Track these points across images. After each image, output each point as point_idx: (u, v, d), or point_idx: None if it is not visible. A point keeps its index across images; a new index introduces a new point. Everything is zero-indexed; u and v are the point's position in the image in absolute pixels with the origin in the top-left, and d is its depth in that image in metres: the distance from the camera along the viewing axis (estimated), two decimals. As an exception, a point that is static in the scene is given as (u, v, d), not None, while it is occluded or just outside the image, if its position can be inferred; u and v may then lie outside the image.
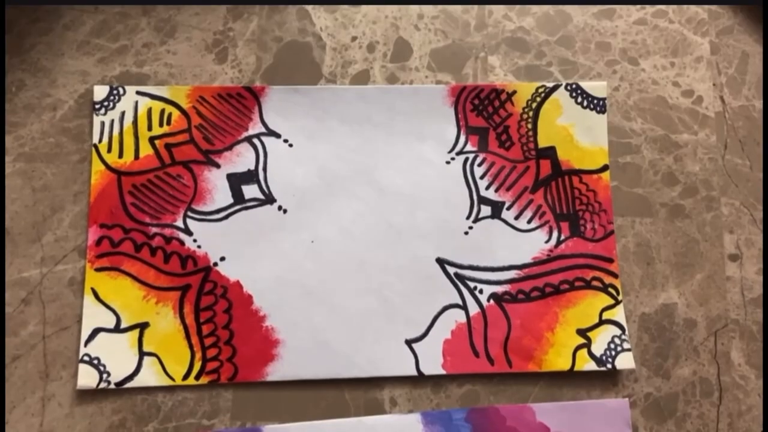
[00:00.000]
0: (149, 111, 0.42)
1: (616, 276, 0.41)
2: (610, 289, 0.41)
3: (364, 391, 0.40)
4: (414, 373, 0.39)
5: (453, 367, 0.40)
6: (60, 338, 0.39)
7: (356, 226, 0.41)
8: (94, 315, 0.39)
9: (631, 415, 0.40)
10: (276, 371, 0.39)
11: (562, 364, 0.40)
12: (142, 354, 0.38)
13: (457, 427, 0.39)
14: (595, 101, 0.43)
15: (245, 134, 0.42)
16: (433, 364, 0.40)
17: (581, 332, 0.40)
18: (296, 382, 0.39)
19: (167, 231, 0.40)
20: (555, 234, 0.42)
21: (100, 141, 0.41)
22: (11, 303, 0.39)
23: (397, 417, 0.39)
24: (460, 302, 0.40)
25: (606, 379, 0.40)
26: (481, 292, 0.41)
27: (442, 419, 0.39)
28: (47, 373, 0.38)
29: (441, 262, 0.41)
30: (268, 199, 0.41)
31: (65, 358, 0.38)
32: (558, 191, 0.42)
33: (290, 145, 0.42)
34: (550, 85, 0.44)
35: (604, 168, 0.43)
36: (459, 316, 0.40)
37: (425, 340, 0.40)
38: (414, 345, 0.40)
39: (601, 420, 0.39)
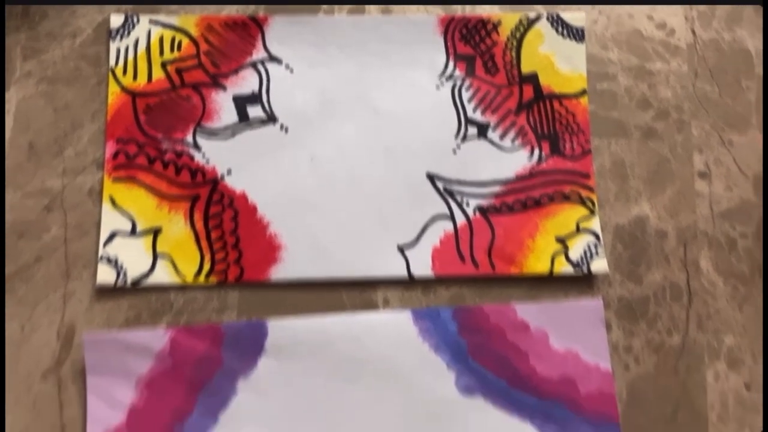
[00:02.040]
0: (161, 38, 0.45)
1: (592, 190, 0.45)
2: (587, 202, 0.44)
3: (359, 293, 0.43)
4: (405, 275, 0.43)
5: (441, 270, 0.43)
6: (80, 242, 0.42)
7: (352, 144, 0.44)
8: (111, 220, 0.42)
9: (605, 315, 0.43)
10: (279, 273, 0.42)
11: (542, 267, 0.43)
12: (155, 255, 0.42)
13: (444, 323, 0.42)
14: (574, 30, 0.47)
15: (249, 60, 0.45)
16: (422, 268, 0.43)
17: (559, 239, 0.44)
18: (297, 283, 0.42)
19: (178, 146, 0.44)
20: (536, 152, 0.45)
21: (116, 65, 0.45)
22: (34, 210, 0.42)
23: (389, 313, 0.42)
24: (448, 213, 0.44)
25: (582, 283, 0.44)
26: (467, 204, 0.44)
27: (431, 316, 0.42)
28: (68, 273, 0.42)
29: (431, 177, 0.44)
30: (271, 119, 0.44)
31: (85, 260, 0.42)
32: (540, 114, 0.46)
33: (291, 71, 0.45)
34: (533, 15, 0.47)
35: (583, 92, 0.46)
36: (447, 225, 0.44)
37: (416, 247, 0.43)
38: (405, 251, 0.43)
39: (577, 318, 0.43)
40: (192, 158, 0.44)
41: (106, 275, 0.41)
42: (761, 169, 0.46)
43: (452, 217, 0.44)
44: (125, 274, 0.41)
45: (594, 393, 0.42)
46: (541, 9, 0.48)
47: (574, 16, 0.47)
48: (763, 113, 0.46)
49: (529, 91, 0.46)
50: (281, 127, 0.44)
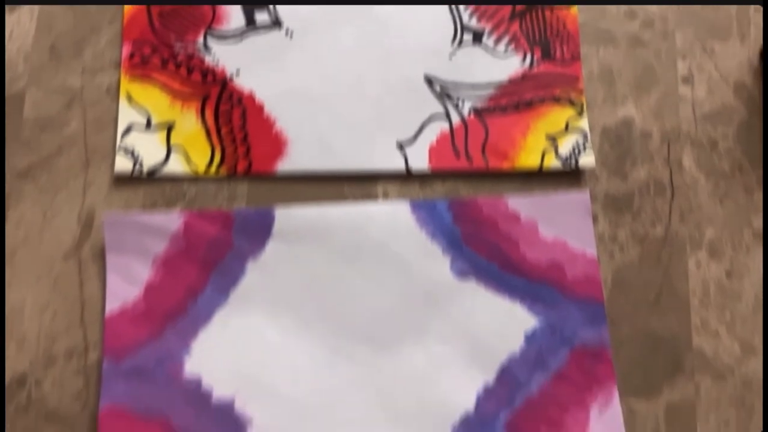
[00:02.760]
0: (174, -51, 0.48)
1: (581, 93, 0.47)
2: (576, 104, 0.47)
3: (360, 186, 0.46)
4: (403, 170, 0.45)
5: (437, 165, 0.46)
6: (98, 135, 0.45)
7: (355, 48, 0.47)
8: (128, 115, 0.45)
9: (593, 208, 0.46)
10: (284, 166, 0.45)
11: (532, 162, 0.46)
12: (169, 148, 0.45)
13: (440, 214, 0.45)
14: (565, -57, 0.49)
15: (257, -31, 0.48)
16: (420, 163, 0.46)
17: (550, 137, 0.46)
18: (302, 177, 0.45)
19: (190, 49, 0.46)
20: (529, 58, 0.48)
21: (132, -27, 0.47)
22: (56, 106, 0.45)
23: (389, 204, 0.45)
24: (444, 113, 0.46)
25: (570, 179, 0.46)
26: (462, 105, 0.47)
27: (428, 207, 0.45)
28: (88, 163, 0.44)
29: (428, 79, 0.47)
30: (276, 23, 0.47)
31: (103, 152, 0.45)
32: (532, 22, 0.48)
33: (296, -20, 0.48)
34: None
35: (573, 1, 0.49)
36: (443, 125, 0.46)
37: (414, 144, 0.46)
38: (404, 147, 0.46)
39: (565, 209, 0.45)
40: (203, 60, 0.46)
41: (123, 164, 0.44)
42: (741, 77, 0.49)
43: (448, 117, 0.46)
44: (141, 164, 0.44)
45: (580, 277, 0.44)
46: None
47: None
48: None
49: (521, 0, 0.48)
50: (287, 32, 0.47)
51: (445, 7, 0.48)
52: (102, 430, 0.39)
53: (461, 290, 0.44)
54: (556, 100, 0.47)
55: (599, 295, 0.44)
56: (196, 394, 0.41)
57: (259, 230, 0.44)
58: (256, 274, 0.43)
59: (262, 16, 0.47)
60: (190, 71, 0.46)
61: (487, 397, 0.42)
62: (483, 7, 0.48)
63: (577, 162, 0.46)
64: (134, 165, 0.44)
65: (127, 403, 0.40)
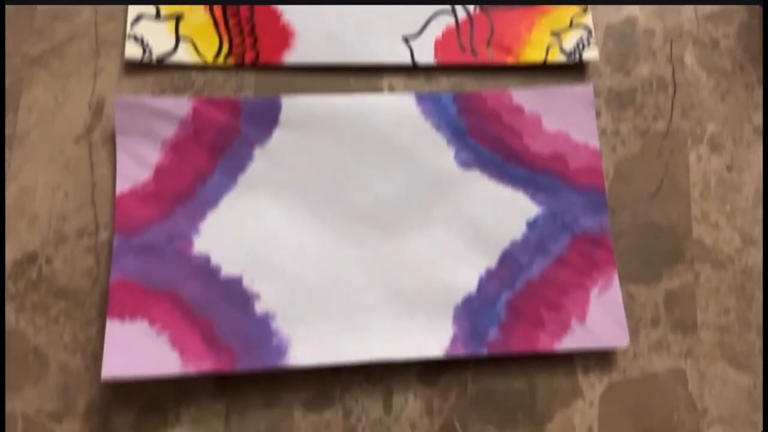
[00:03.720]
0: None
1: (586, -8, 0.48)
2: (580, 1, 0.47)
3: (366, 79, 0.46)
4: (409, 63, 0.46)
5: (443, 59, 0.46)
6: (109, 25, 0.46)
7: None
8: (137, 6, 0.45)
9: (595, 103, 0.46)
10: (291, 57, 0.46)
11: (537, 56, 0.46)
12: (178, 37, 0.45)
13: (445, 106, 0.45)
14: None
15: None
16: (425, 56, 0.46)
17: (554, 33, 0.47)
18: (308, 69, 0.46)
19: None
20: (533, -43, 0.48)
21: None
22: (67, -3, 0.46)
23: (394, 96, 0.45)
24: (450, 9, 0.47)
25: (574, 74, 0.47)
26: (469, 1, 0.47)
27: (433, 99, 0.45)
28: (98, 51, 0.45)
29: (434, -23, 0.48)
30: None
31: (114, 41, 0.45)
32: None
33: None
34: None
35: None
36: (449, 20, 0.47)
37: (419, 37, 0.46)
38: (410, 41, 0.46)
39: (569, 101, 0.46)
40: (212, -46, 0.47)
41: (133, 51, 0.45)
42: (746, -22, 0.49)
43: (454, 13, 0.47)
44: (150, 52, 0.45)
45: (582, 167, 0.45)
46: None
47: None
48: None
49: None
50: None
51: None
52: (112, 302, 0.40)
53: (465, 179, 0.45)
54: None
55: (601, 184, 0.45)
56: (205, 269, 0.42)
57: (266, 118, 0.44)
58: (263, 160, 0.44)
59: None
60: (198, -35, 0.46)
61: (488, 279, 0.43)
62: None
63: (581, 56, 0.46)
64: (144, 53, 0.45)
65: (137, 278, 0.41)
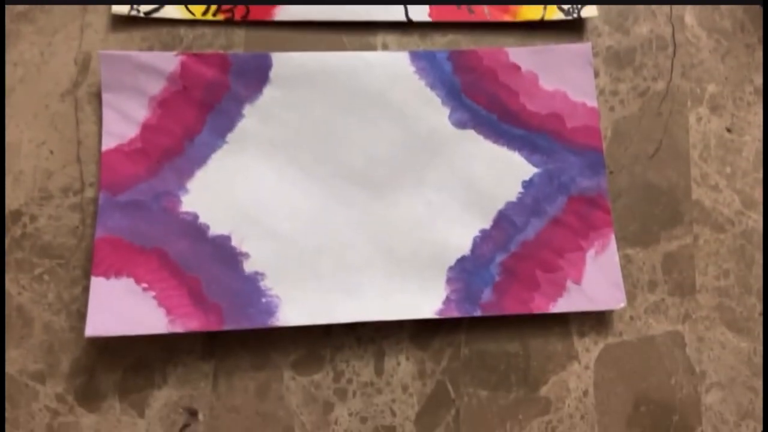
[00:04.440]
0: None
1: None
2: (578, -41, 0.46)
3: (359, 36, 0.45)
4: (404, 18, 0.45)
5: (438, 16, 0.45)
6: (96, -20, 0.44)
7: None
8: (125, -40, 0.44)
9: (594, 63, 0.45)
10: (282, 13, 0.45)
11: (534, 14, 0.45)
12: (166, -8, 0.44)
13: (439, 64, 0.44)
14: None
15: None
16: (420, 14, 0.45)
17: (552, -9, 0.46)
18: (300, 24, 0.45)
19: None
20: None
21: None
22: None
23: (388, 53, 0.44)
24: (445, -34, 0.46)
25: (572, 33, 0.46)
26: (464, -41, 0.46)
27: (427, 57, 0.44)
28: (85, 8, 0.44)
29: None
30: None
31: (100, -3, 0.44)
32: None
33: None
34: None
35: None
36: (444, -22, 0.46)
37: (414, -5, 0.45)
38: (404, -2, 0.45)
39: (566, 60, 0.45)
40: None
41: (120, 6, 0.43)
42: (748, -63, 0.48)
43: (449, -30, 0.46)
44: (138, 6, 0.44)
45: (580, 127, 0.44)
46: None
47: None
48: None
49: None
50: None
51: None
52: (97, 259, 0.39)
53: (460, 139, 0.44)
54: (560, -43, 0.46)
55: (598, 144, 0.44)
56: (193, 227, 0.41)
57: (256, 74, 0.43)
58: (253, 117, 0.43)
59: None
60: None
61: (483, 240, 0.42)
62: None
63: (579, 12, 0.45)
64: (131, 8, 0.43)
65: (123, 235, 0.40)
